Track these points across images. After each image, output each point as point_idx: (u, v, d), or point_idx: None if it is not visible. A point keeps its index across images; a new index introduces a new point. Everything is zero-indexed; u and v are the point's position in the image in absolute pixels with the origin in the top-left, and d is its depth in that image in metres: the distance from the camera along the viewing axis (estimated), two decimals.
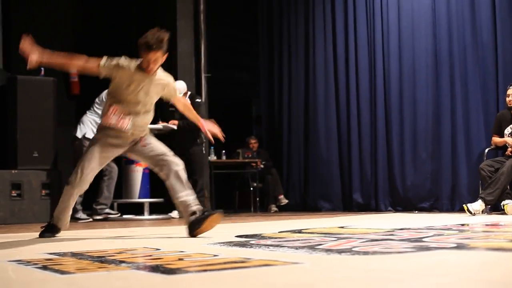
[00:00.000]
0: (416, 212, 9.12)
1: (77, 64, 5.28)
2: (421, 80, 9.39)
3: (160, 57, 5.23)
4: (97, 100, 9.11)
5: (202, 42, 10.88)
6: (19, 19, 10.40)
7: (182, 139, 9.29)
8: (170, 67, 10.72)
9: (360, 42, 10.15)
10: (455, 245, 3.77)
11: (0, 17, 9.75)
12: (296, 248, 3.85)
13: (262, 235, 5.06)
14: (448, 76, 9.13)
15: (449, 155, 9.08)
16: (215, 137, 5.81)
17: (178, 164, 5.28)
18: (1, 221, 8.43)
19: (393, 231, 5.08)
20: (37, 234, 5.55)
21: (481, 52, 8.88)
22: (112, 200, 9.19)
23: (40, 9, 10.57)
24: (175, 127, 9.39)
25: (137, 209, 9.35)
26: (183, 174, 5.28)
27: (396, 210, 9.48)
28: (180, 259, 3.35)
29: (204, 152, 9.92)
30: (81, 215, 8.86)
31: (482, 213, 7.57)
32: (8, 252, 4.08)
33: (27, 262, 3.36)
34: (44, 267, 3.13)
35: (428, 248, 3.63)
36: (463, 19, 9.04)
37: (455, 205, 8.89)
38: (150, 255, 3.68)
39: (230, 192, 11.66)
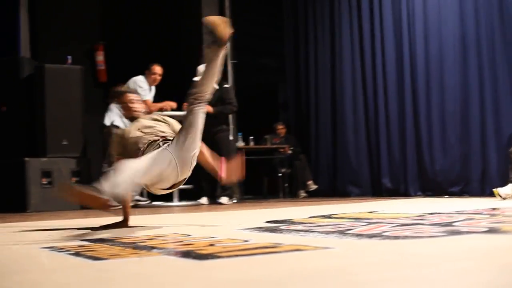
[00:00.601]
0: (446, 196, 9.06)
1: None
2: (449, 64, 9.30)
3: (133, 96, 5.36)
4: None
5: None
6: (45, 8, 10.44)
7: (207, 123, 9.32)
8: (196, 53, 10.78)
9: (386, 25, 10.06)
10: (486, 229, 3.75)
11: (26, 7, 9.80)
12: (327, 233, 3.84)
13: (292, 220, 5.06)
14: (476, 59, 9.03)
15: (478, 139, 9.00)
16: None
17: None
18: (32, 209, 8.51)
19: (423, 215, 5.05)
20: (68, 221, 5.57)
21: (510, 35, 8.77)
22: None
23: None
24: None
25: (167, 195, 9.36)
26: None
27: (426, 195, 9.42)
28: (211, 245, 3.36)
29: (231, 138, 9.92)
30: (111, 202, 8.89)
31: None
32: (41, 239, 4.11)
33: (60, 249, 3.39)
34: (77, 254, 3.15)
35: (459, 233, 3.61)
36: (490, 1, 8.94)
37: (485, 189, 8.81)
38: (181, 241, 3.69)
39: (259, 178, 11.66)
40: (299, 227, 4.37)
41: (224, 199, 9.26)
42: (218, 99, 9.24)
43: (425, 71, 9.54)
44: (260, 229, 4.29)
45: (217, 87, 9.50)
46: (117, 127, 8.96)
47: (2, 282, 2.44)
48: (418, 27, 9.60)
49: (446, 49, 9.32)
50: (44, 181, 8.71)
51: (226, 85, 9.39)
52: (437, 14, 9.44)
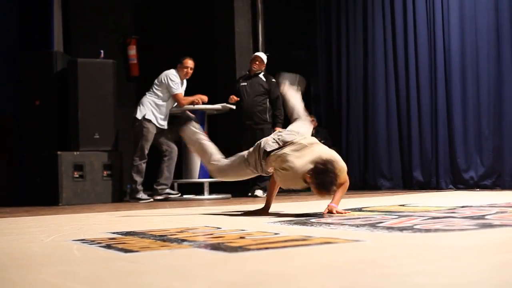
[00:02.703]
0: (478, 189, 9.00)
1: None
2: (483, 56, 9.22)
3: None
4: (156, 81, 9.18)
5: (260, 22, 10.87)
6: (78, 3, 10.51)
7: (254, 114, 9.41)
8: (228, 47, 10.81)
9: (419, 18, 9.99)
10: None
11: (59, 2, 9.88)
12: (357, 226, 3.84)
13: (322, 213, 5.06)
14: (510, 51, 8.95)
15: (511, 131, 8.93)
16: None
17: None
18: (64, 202, 8.59)
19: (454, 208, 5.02)
20: (99, 214, 5.61)
21: None
22: (172, 180, 9.27)
23: None
24: (234, 107, 9.42)
25: (197, 189, 9.41)
26: None
27: (457, 188, 9.37)
28: (241, 237, 3.37)
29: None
30: (142, 195, 8.96)
31: None
32: (73, 232, 4.15)
33: (91, 241, 3.42)
34: (108, 246, 3.18)
35: (491, 226, 3.58)
36: None
37: None
38: (211, 234, 3.71)
39: None
40: (330, 220, 4.37)
41: (259, 192, 9.28)
42: (264, 92, 9.29)
43: (459, 63, 9.46)
44: (291, 222, 4.30)
45: (264, 79, 9.53)
46: (149, 120, 9.01)
47: (35, 274, 2.47)
48: (453, 18, 9.51)
49: (481, 40, 9.24)
50: (76, 174, 8.79)
51: (274, 80, 9.36)
52: (472, 4, 9.35)
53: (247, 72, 9.69)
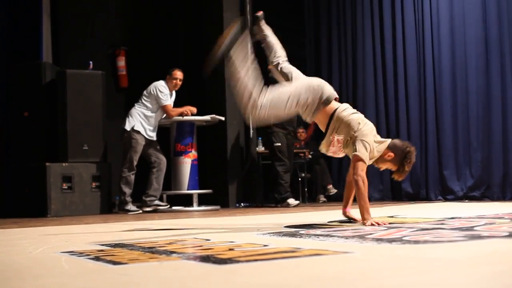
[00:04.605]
0: (466, 201, 9.02)
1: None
2: (471, 68, 9.27)
3: None
4: (145, 92, 9.18)
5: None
6: (67, 14, 10.49)
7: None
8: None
9: (408, 29, 10.03)
10: (507, 233, 3.72)
11: (48, 13, 9.86)
12: (346, 237, 3.84)
13: (311, 225, 5.06)
14: (499, 63, 9.00)
15: (500, 143, 8.96)
16: None
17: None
18: (53, 214, 8.56)
19: (443, 220, 5.04)
20: (88, 226, 5.59)
21: None
22: (161, 192, 9.26)
23: (87, 4, 10.65)
24: (223, 118, 9.43)
25: (186, 200, 9.40)
26: None
27: (446, 199, 9.39)
28: (230, 249, 3.37)
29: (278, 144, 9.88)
30: (130, 207, 8.94)
31: None
32: (61, 244, 4.13)
33: (80, 253, 3.41)
34: (97, 258, 3.17)
35: (480, 237, 3.59)
36: None
37: (506, 194, 8.78)
38: (201, 246, 3.70)
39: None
40: (319, 231, 4.37)
41: (291, 201, 9.50)
42: None
43: (448, 75, 9.51)
44: (280, 233, 4.29)
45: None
46: (138, 132, 9.00)
47: (23, 287, 2.45)
48: (442, 31, 9.56)
49: (469, 52, 9.29)
50: (65, 186, 8.76)
51: None
52: (461, 17, 9.40)
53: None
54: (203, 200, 9.41)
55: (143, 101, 9.15)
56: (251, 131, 10.48)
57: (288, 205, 9.32)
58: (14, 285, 2.49)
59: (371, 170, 10.37)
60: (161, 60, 10.62)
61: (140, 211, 8.96)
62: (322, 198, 10.89)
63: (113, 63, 10.82)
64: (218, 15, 10.55)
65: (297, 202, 9.55)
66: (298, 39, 11.92)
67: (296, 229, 4.60)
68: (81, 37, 10.44)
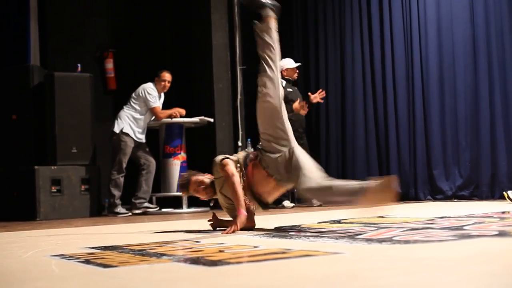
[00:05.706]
0: (456, 200, 9.05)
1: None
2: (459, 68, 9.29)
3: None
4: (133, 95, 9.17)
5: (237, 35, 10.88)
6: (54, 17, 10.47)
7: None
8: (205, 59, 10.79)
9: (396, 30, 10.03)
10: (496, 232, 3.74)
11: (36, 16, 9.84)
12: (336, 238, 3.84)
13: (301, 226, 5.06)
14: (486, 62, 9.02)
15: (488, 142, 8.98)
16: None
17: None
18: (42, 217, 8.53)
19: (433, 219, 5.05)
20: (78, 229, 5.57)
21: None
22: (150, 194, 9.25)
23: (75, 7, 10.64)
24: (212, 120, 9.44)
25: (176, 202, 9.39)
26: None
27: (435, 199, 9.41)
28: (220, 251, 3.37)
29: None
30: (120, 209, 8.92)
31: None
32: (51, 247, 4.12)
33: (70, 257, 3.40)
34: (87, 261, 3.16)
35: (469, 236, 3.60)
36: (500, 3, 8.94)
37: (495, 193, 8.80)
38: (191, 248, 3.70)
39: None
40: (309, 232, 4.37)
41: (287, 203, 9.50)
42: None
43: (436, 76, 9.52)
44: (270, 235, 4.29)
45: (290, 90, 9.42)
46: (126, 134, 8.99)
47: None
48: (429, 31, 9.58)
49: (458, 52, 9.31)
50: (54, 189, 8.74)
51: (289, 89, 9.32)
52: (449, 17, 9.42)
53: (288, 79, 9.52)
54: (193, 202, 9.39)
55: (131, 103, 9.14)
56: (240, 132, 10.47)
57: (283, 207, 9.32)
58: None
59: (359, 172, 10.42)
60: (150, 62, 10.60)
61: (130, 214, 8.95)
62: (316, 202, 10.86)
63: (101, 65, 10.80)
64: (207, 15, 10.55)
65: (293, 204, 9.54)
66: (286, 41, 11.91)
67: (286, 230, 4.60)
68: (68, 39, 10.43)
